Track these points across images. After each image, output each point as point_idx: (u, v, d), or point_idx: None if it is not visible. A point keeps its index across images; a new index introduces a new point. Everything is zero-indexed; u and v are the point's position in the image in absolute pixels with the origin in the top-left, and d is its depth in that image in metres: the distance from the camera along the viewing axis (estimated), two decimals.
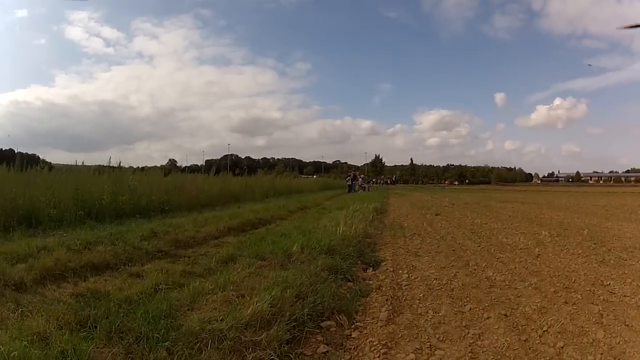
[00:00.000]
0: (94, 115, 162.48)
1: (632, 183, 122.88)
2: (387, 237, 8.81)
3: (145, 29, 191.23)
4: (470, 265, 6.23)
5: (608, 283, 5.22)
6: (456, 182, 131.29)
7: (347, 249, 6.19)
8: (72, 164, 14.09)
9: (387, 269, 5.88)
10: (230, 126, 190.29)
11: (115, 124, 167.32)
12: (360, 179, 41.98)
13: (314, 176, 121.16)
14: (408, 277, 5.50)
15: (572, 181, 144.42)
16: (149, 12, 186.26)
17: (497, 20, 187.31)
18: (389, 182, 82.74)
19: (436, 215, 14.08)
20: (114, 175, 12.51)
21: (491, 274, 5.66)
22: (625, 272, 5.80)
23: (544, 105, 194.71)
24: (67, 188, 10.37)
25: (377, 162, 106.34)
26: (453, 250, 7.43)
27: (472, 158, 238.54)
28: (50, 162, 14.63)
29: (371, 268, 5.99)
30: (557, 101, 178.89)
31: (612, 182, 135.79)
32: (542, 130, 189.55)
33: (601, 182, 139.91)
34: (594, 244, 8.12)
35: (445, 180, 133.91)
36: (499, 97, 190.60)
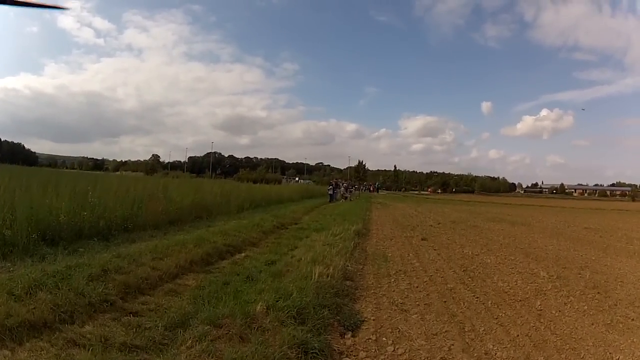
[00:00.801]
0: (81, 106, 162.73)
1: (618, 197, 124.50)
2: (370, 277, 7.84)
3: (136, 21, 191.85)
4: (466, 330, 5.29)
5: (617, 358, 4.57)
6: (439, 191, 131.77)
7: (322, 311, 5.18)
8: (57, 154, 13.12)
9: (369, 337, 4.90)
10: (215, 123, 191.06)
11: (102, 116, 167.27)
12: (342, 188, 41.05)
13: (297, 178, 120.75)
14: (394, 351, 4.55)
15: (556, 193, 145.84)
16: (140, 4, 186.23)
17: (488, 29, 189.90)
18: (371, 189, 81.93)
19: (422, 240, 13.19)
20: (73, 189, 11.31)
21: (491, 346, 4.77)
22: (634, 340, 5.11)
23: (530, 115, 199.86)
24: (23, 203, 9.15)
25: (360, 168, 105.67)
26: (444, 302, 6.49)
27: (455, 165, 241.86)
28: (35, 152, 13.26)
29: (350, 332, 5.02)
30: (544, 112, 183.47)
31: (597, 195, 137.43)
32: (528, 141, 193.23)
33: (586, 195, 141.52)
34: (598, 293, 7.37)
35: (429, 188, 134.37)
36: (486, 105, 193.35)
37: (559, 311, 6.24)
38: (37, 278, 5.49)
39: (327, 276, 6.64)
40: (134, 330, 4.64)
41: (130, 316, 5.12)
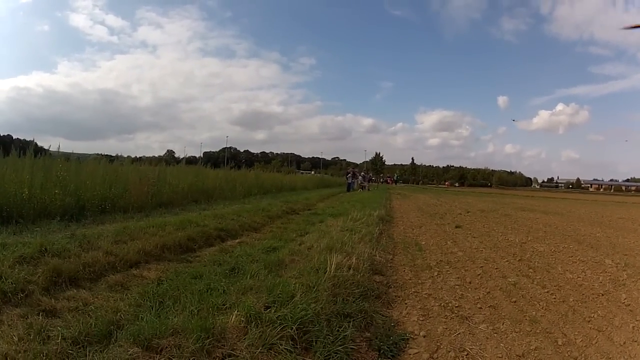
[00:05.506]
0: (95, 104, 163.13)
1: (633, 192, 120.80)
2: (405, 270, 5.84)
3: (150, 18, 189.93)
4: (561, 344, 3.47)
5: None
6: (457, 184, 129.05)
7: (342, 325, 3.18)
8: (72, 152, 11.77)
9: None
10: (231, 119, 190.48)
11: (116, 113, 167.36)
12: (360, 177, 38.85)
13: (312, 172, 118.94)
14: None
15: (572, 187, 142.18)
16: (154, 1, 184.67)
17: (504, 22, 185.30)
18: (389, 181, 78.98)
19: (457, 227, 11.12)
20: (39, 164, 9.42)
21: None
22: None
23: (546, 110, 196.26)
24: None
25: (377, 160, 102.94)
26: (514, 302, 4.55)
27: (471, 160, 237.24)
28: (48, 149, 11.68)
29: None
30: (560, 106, 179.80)
31: (612, 190, 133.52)
32: (543, 135, 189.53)
33: (602, 190, 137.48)
34: None
35: (446, 182, 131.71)
36: (502, 99, 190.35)
37: None
38: None
39: (349, 268, 4.64)
40: (29, 336, 2.93)
41: (40, 315, 3.40)
